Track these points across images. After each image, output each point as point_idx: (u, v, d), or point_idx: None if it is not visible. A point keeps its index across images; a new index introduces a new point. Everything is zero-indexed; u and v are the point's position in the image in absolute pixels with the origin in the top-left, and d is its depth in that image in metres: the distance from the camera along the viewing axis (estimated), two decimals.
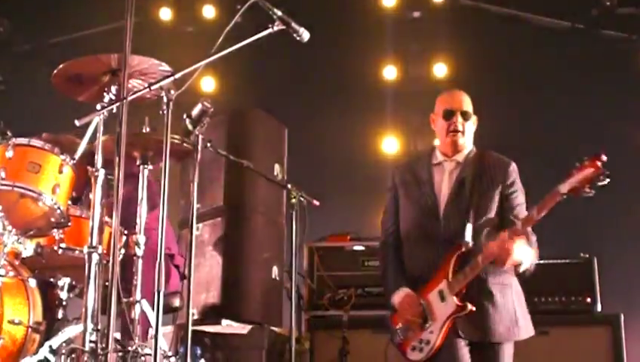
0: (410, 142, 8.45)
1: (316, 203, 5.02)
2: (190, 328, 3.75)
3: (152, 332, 3.99)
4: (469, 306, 4.01)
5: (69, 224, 4.40)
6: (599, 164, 3.71)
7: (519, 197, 4.25)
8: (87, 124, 4.08)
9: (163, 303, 3.58)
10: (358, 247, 6.30)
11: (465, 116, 4.32)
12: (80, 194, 4.83)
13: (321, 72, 8.29)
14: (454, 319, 4.05)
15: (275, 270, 5.82)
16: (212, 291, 5.55)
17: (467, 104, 4.35)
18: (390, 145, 8.51)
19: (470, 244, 4.06)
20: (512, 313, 4.12)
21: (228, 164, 5.59)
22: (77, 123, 3.77)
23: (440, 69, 8.58)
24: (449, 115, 4.32)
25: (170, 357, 4.22)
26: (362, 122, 8.31)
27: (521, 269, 4.07)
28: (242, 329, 5.57)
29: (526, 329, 4.17)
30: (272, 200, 5.92)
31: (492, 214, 4.17)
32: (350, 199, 7.89)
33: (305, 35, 3.75)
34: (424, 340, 4.13)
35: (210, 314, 5.53)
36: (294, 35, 3.74)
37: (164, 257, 3.63)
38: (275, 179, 5.68)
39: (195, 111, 3.88)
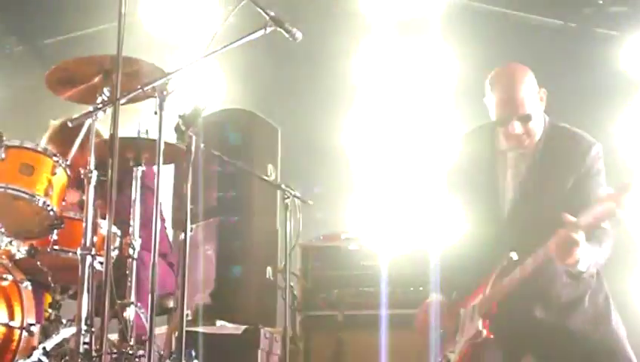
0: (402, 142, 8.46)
1: (310, 203, 5.03)
2: (184, 329, 3.75)
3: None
4: (484, 333, 3.44)
5: (63, 226, 4.39)
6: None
7: (592, 183, 3.50)
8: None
9: (157, 305, 3.59)
10: (353, 247, 6.29)
11: (525, 120, 3.51)
12: None
13: (313, 73, 8.30)
14: (472, 344, 3.51)
15: (269, 270, 5.82)
16: (206, 292, 5.55)
17: (526, 102, 3.49)
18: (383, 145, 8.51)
19: (514, 257, 3.43)
20: (599, 320, 3.51)
21: (221, 165, 5.58)
22: (69, 124, 3.77)
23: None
24: (504, 121, 3.54)
25: (165, 358, 4.22)
26: (355, 123, 8.31)
27: (577, 268, 3.30)
28: (236, 329, 5.56)
29: (621, 328, 3.56)
30: (265, 201, 5.92)
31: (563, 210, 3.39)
32: (344, 199, 7.89)
33: (298, 35, 3.74)
34: (447, 356, 3.65)
35: (205, 314, 5.52)
36: (287, 35, 3.73)
37: (158, 259, 3.64)
38: (269, 180, 5.68)
39: (188, 112, 3.88)
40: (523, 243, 3.45)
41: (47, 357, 3.98)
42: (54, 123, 4.97)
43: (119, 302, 4.03)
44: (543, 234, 3.36)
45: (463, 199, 3.78)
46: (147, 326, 3.58)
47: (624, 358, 3.50)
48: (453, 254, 3.81)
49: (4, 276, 4.18)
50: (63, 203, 4.46)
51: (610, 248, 3.43)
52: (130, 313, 4.17)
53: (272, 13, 3.70)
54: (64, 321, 4.29)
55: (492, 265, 3.53)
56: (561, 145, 3.57)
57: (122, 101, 3.60)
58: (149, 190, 4.44)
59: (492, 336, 3.46)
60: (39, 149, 4.37)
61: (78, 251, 3.97)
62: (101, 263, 3.94)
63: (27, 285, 4.28)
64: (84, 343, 3.81)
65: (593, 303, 3.54)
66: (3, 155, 4.25)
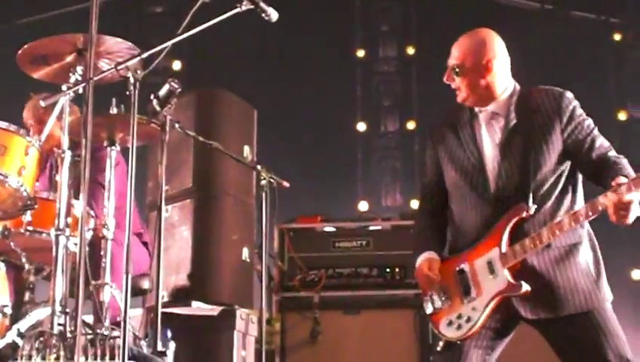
0: (380, 122, 8.48)
1: (286, 184, 5.01)
2: (160, 310, 3.73)
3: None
4: (524, 286, 3.36)
5: (36, 206, 4.35)
6: None
7: (585, 128, 3.51)
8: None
9: (132, 286, 3.57)
10: (329, 228, 6.30)
11: (458, 71, 3.64)
12: None
13: (291, 53, 8.27)
14: (504, 298, 3.40)
15: (245, 251, 5.80)
16: (182, 273, 5.53)
17: (460, 55, 3.66)
18: (360, 125, 8.52)
19: (533, 210, 3.41)
20: (589, 274, 3.44)
21: (196, 146, 5.54)
22: (42, 104, 3.73)
23: (410, 50, 8.61)
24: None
25: (140, 339, 4.21)
26: (332, 103, 8.31)
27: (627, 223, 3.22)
28: (212, 311, 5.55)
29: (608, 291, 3.47)
30: (241, 182, 5.89)
31: (551, 166, 3.46)
32: (320, 180, 7.89)
33: (273, 15, 3.71)
34: (464, 316, 3.48)
35: (180, 296, 5.51)
36: (263, 15, 3.70)
37: (132, 239, 3.61)
38: (245, 161, 5.66)
39: (163, 92, 3.85)
40: (512, 196, 3.45)
41: (22, 339, 3.95)
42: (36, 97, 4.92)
43: (94, 282, 4.00)
44: (540, 183, 3.43)
45: (446, 161, 3.71)
46: (122, 306, 3.55)
47: (607, 331, 3.38)
48: (439, 218, 3.76)
49: None
50: (37, 183, 4.42)
51: None
52: (105, 294, 4.15)
53: None
54: (38, 302, 4.27)
55: (486, 218, 3.49)
56: (533, 98, 3.60)
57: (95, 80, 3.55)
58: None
59: (529, 289, 3.36)
60: (12, 129, 4.31)
61: (52, 232, 3.93)
62: (75, 244, 3.92)
63: (0, 266, 4.25)
64: (59, 324, 3.79)
65: (585, 260, 3.46)
66: None
